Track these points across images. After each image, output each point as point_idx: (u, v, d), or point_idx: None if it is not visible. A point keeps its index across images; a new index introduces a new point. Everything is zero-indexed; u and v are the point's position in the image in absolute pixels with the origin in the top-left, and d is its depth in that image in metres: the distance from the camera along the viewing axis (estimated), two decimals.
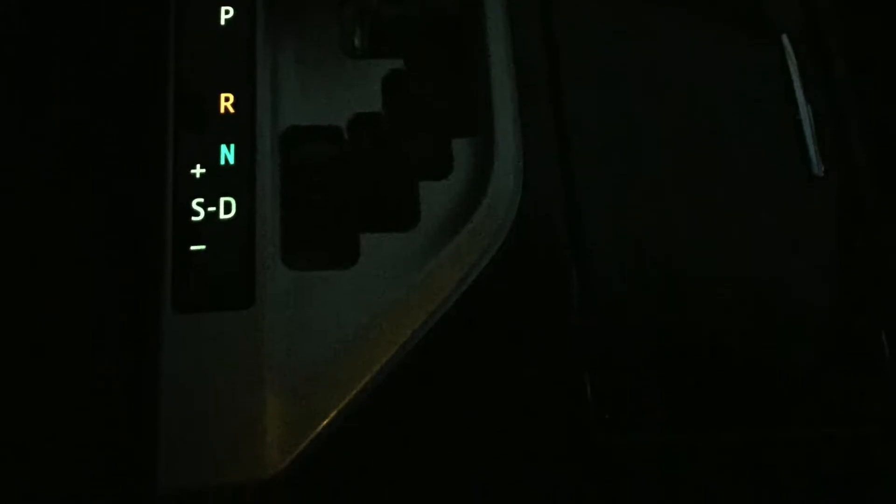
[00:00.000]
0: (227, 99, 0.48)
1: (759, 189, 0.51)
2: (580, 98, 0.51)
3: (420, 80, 0.51)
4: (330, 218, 0.50)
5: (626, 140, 0.51)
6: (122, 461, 0.45)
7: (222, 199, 0.47)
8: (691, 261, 0.49)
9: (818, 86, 0.53)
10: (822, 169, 0.51)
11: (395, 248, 0.48)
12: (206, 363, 0.45)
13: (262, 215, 0.47)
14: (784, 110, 0.52)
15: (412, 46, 0.52)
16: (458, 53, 0.53)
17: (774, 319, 0.49)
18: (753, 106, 0.52)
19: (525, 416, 0.47)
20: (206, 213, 0.47)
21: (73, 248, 0.48)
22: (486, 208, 0.48)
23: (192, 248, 0.46)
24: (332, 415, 0.45)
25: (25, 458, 0.45)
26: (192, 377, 0.45)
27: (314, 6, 0.51)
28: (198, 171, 0.47)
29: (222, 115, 0.48)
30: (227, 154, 0.48)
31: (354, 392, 0.46)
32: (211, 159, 0.48)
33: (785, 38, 0.53)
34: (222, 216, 0.47)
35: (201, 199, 0.47)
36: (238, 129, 0.48)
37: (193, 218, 0.47)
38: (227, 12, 0.50)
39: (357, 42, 0.53)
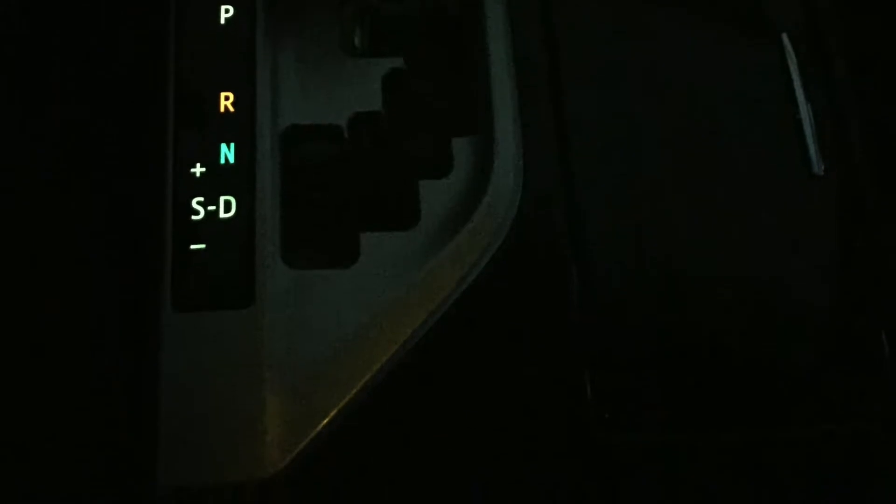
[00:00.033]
0: (227, 98, 0.48)
1: (759, 188, 0.51)
2: (580, 97, 0.51)
3: (420, 78, 0.52)
4: (330, 217, 0.50)
5: (626, 139, 0.51)
6: (122, 460, 0.45)
7: (222, 198, 0.47)
8: (691, 259, 0.49)
9: (818, 85, 0.52)
10: (823, 168, 0.51)
11: (395, 247, 0.48)
12: (206, 362, 0.45)
13: (262, 214, 0.47)
14: (784, 109, 0.52)
15: (412, 45, 0.52)
16: (459, 52, 0.53)
17: (774, 318, 0.49)
18: (753, 105, 0.52)
19: (525, 415, 0.47)
20: (206, 211, 0.47)
21: (73, 247, 0.48)
22: (487, 207, 0.48)
23: (192, 246, 0.47)
24: (333, 414, 0.45)
25: (25, 458, 0.45)
26: (192, 376, 0.45)
27: (314, 5, 0.52)
28: (198, 169, 0.47)
29: (222, 113, 0.48)
30: (227, 153, 0.48)
31: (354, 391, 0.46)
32: (211, 158, 0.48)
33: (785, 37, 0.53)
34: (222, 215, 0.47)
35: (201, 198, 0.47)
36: (238, 127, 0.48)
37: (193, 217, 0.47)
38: (227, 11, 0.50)
39: (357, 41, 0.53)
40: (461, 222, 0.48)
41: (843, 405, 0.48)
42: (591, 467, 0.47)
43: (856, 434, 0.48)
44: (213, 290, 0.46)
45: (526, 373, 0.47)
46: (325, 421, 0.45)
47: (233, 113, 0.48)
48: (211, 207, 0.47)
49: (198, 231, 0.47)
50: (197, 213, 0.47)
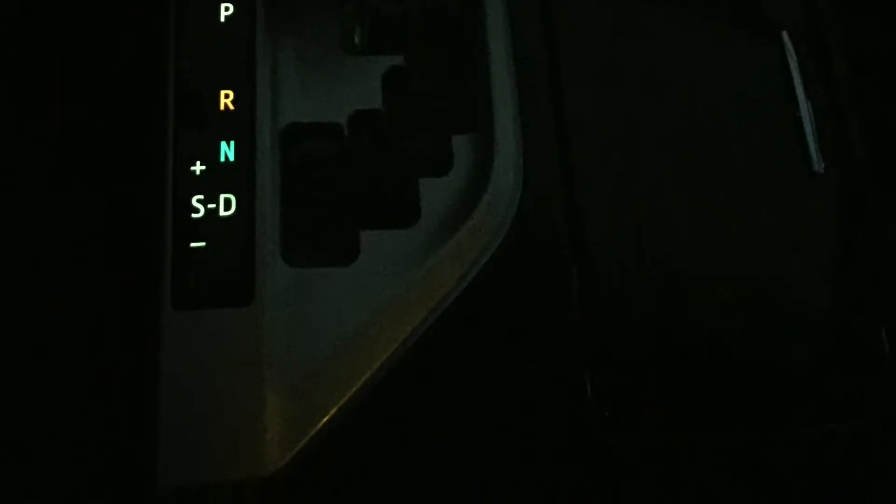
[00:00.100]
0: (227, 96, 0.49)
1: (760, 186, 0.51)
2: (580, 95, 0.51)
3: (420, 76, 0.52)
4: (330, 215, 0.50)
5: (626, 137, 0.51)
6: (122, 459, 0.45)
7: (222, 196, 0.47)
8: (691, 258, 0.49)
9: (818, 83, 0.53)
10: (823, 166, 0.51)
11: (395, 245, 0.48)
12: (206, 360, 0.45)
13: (262, 212, 0.47)
14: (784, 108, 0.52)
15: (412, 43, 0.52)
16: (459, 50, 0.53)
17: (774, 317, 0.49)
18: (754, 104, 0.52)
19: (525, 414, 0.47)
20: (206, 210, 0.47)
21: (72, 246, 0.48)
22: (487, 205, 0.48)
23: (192, 245, 0.47)
24: (333, 412, 0.45)
25: (25, 458, 0.45)
26: (192, 374, 0.45)
27: (314, 3, 0.52)
28: (198, 167, 0.47)
29: (222, 112, 0.48)
30: (227, 151, 0.48)
31: (354, 389, 0.46)
32: (211, 156, 0.48)
33: (785, 36, 0.53)
34: (222, 213, 0.47)
35: (201, 196, 0.47)
36: (238, 125, 0.48)
37: (193, 215, 0.47)
38: (226, 9, 0.50)
39: (357, 39, 0.53)
40: (461, 220, 0.48)
41: (844, 405, 0.48)
42: (590, 466, 0.47)
43: (856, 434, 0.48)
44: (213, 289, 0.46)
45: (526, 372, 0.47)
46: (326, 419, 0.45)
47: (233, 111, 0.48)
48: (211, 205, 0.47)
49: (198, 229, 0.47)
50: (197, 211, 0.47)
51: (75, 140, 0.50)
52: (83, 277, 0.48)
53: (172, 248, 0.46)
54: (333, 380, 0.46)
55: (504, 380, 0.47)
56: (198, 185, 0.47)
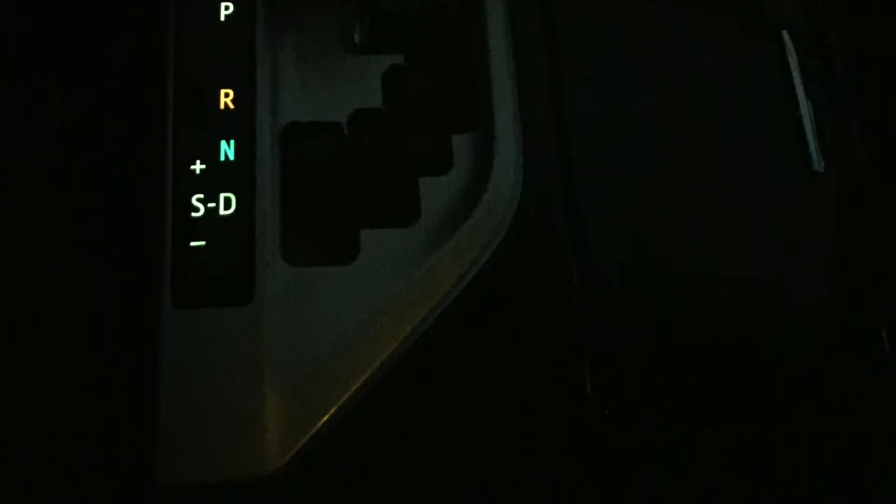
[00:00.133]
0: (226, 95, 0.49)
1: (760, 185, 0.51)
2: (580, 93, 0.51)
3: (420, 75, 0.52)
4: (330, 214, 0.50)
5: (627, 136, 0.51)
6: (122, 457, 0.45)
7: (222, 195, 0.47)
8: (691, 256, 0.49)
9: (819, 82, 0.52)
10: (823, 165, 0.51)
11: (395, 244, 0.48)
12: (205, 359, 0.45)
13: (262, 211, 0.47)
14: (784, 107, 0.52)
15: (412, 42, 0.52)
16: (459, 49, 0.53)
17: (774, 316, 0.49)
18: (754, 102, 0.52)
19: (525, 413, 0.47)
20: (206, 209, 0.47)
21: (72, 246, 0.48)
22: (487, 204, 0.48)
23: (192, 244, 0.47)
24: (332, 411, 0.45)
25: (25, 457, 0.45)
26: (191, 373, 0.45)
27: (314, 2, 0.52)
28: (197, 167, 0.47)
29: (222, 110, 0.48)
30: (227, 150, 0.48)
31: (354, 388, 0.46)
32: (211, 155, 0.48)
33: (785, 35, 0.53)
34: (222, 212, 0.47)
35: (201, 195, 0.47)
36: (238, 124, 0.48)
37: (193, 214, 0.47)
38: (226, 8, 0.50)
39: (357, 37, 0.53)
40: (461, 219, 0.48)
41: (844, 403, 0.48)
42: (590, 464, 0.47)
43: (856, 432, 0.48)
44: (213, 288, 0.46)
45: (526, 370, 0.47)
46: (325, 418, 0.45)
47: (233, 110, 0.48)
48: (211, 204, 0.47)
49: (198, 228, 0.47)
50: (197, 210, 0.47)
51: (75, 139, 0.50)
52: (83, 276, 0.48)
53: (172, 247, 0.46)
54: (333, 379, 0.46)
55: (504, 379, 0.47)
56: (198, 183, 0.47)
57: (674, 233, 0.49)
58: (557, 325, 0.48)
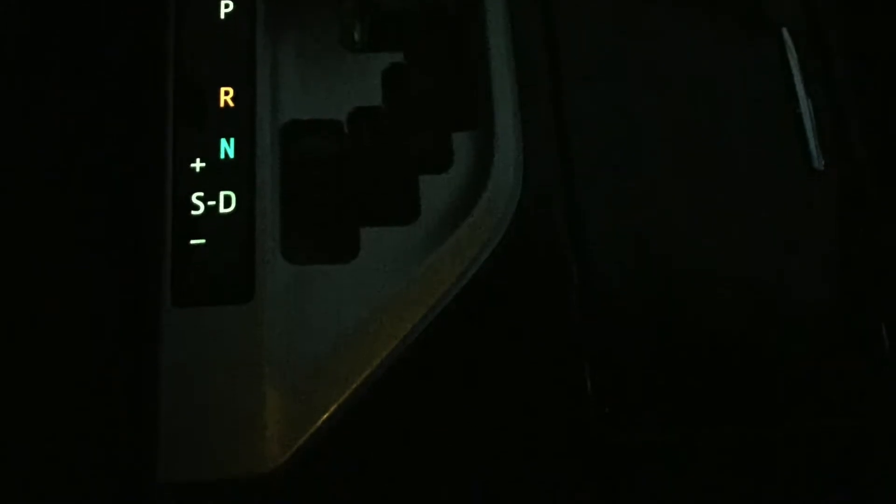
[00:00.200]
0: (226, 93, 0.49)
1: (760, 183, 0.51)
2: (580, 92, 0.51)
3: (420, 73, 0.52)
4: (330, 212, 0.50)
5: (627, 134, 0.51)
6: (122, 456, 0.45)
7: (222, 194, 0.47)
8: (691, 254, 0.49)
9: (819, 81, 0.52)
10: (823, 164, 0.51)
11: (395, 242, 0.48)
12: (205, 357, 0.45)
13: (262, 209, 0.47)
14: (784, 105, 0.52)
15: (412, 40, 0.52)
16: (459, 47, 0.53)
17: (774, 315, 0.49)
18: (754, 101, 0.52)
19: (525, 411, 0.47)
20: (206, 207, 0.47)
21: (72, 244, 0.48)
22: (487, 202, 0.48)
23: (192, 242, 0.47)
24: (332, 409, 0.45)
25: (25, 457, 0.45)
26: (191, 372, 0.45)
27: (314, 0, 0.52)
28: (197, 165, 0.48)
29: (222, 109, 0.48)
30: (227, 148, 0.48)
31: (354, 386, 0.46)
32: (211, 153, 0.48)
33: (785, 33, 0.53)
34: (222, 210, 0.47)
35: (201, 194, 0.47)
36: (238, 123, 0.48)
37: (193, 212, 0.47)
38: (226, 6, 0.50)
39: (357, 36, 0.53)
40: (461, 217, 0.48)
41: (844, 402, 0.48)
42: (590, 463, 0.47)
43: (856, 432, 0.48)
44: (213, 286, 0.46)
45: (525, 369, 0.47)
46: (325, 416, 0.45)
47: (233, 108, 0.48)
48: (211, 203, 0.47)
49: (198, 226, 0.47)
50: (197, 208, 0.47)
51: (75, 138, 0.50)
52: (83, 275, 0.48)
53: (172, 246, 0.46)
54: (333, 377, 0.46)
55: (504, 377, 0.47)
56: (198, 182, 0.47)
57: (674, 232, 0.49)
58: (557, 324, 0.48)
